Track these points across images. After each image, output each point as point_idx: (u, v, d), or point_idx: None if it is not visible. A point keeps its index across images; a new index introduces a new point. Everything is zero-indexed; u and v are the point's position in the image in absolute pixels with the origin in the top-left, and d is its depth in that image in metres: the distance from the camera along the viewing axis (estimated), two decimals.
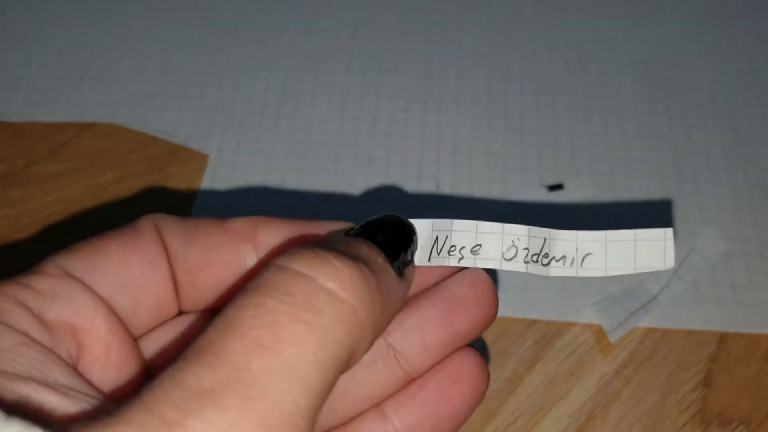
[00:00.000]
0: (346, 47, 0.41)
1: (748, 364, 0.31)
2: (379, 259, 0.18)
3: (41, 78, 0.40)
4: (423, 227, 0.20)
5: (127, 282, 0.19)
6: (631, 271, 0.20)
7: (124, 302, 0.19)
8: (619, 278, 0.33)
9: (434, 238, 0.20)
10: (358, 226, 0.19)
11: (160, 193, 0.36)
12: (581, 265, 0.20)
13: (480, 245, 0.20)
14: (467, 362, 0.21)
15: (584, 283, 0.33)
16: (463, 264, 0.20)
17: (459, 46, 0.41)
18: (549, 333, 0.32)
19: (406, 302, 0.20)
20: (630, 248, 0.20)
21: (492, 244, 0.20)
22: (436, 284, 0.21)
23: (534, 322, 0.32)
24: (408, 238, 0.19)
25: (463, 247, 0.20)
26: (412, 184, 0.36)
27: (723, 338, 0.32)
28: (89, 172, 0.37)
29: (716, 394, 0.31)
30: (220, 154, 0.37)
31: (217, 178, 0.36)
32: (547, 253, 0.20)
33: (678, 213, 0.35)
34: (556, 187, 0.36)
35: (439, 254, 0.20)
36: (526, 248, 0.20)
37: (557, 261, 0.20)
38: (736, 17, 0.43)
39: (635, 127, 0.38)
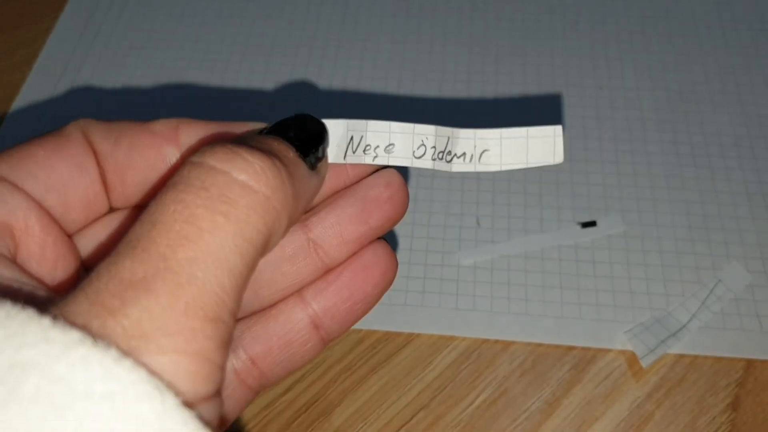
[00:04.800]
0: (393, 96, 0.45)
1: None
2: (290, 153, 0.19)
3: None
4: (338, 127, 0.22)
5: (56, 185, 0.20)
6: (524, 165, 0.21)
7: (56, 203, 0.20)
8: (649, 308, 0.35)
9: (349, 138, 0.22)
10: (271, 125, 0.20)
11: None
12: (479, 160, 0.22)
13: (393, 144, 0.22)
14: (378, 253, 0.23)
15: (617, 313, 0.35)
16: (377, 162, 0.22)
17: (496, 91, 0.45)
18: (585, 359, 0.34)
19: (325, 199, 0.22)
20: (523, 144, 0.21)
21: (404, 143, 0.22)
22: (354, 184, 0.23)
23: (571, 348, 0.35)
24: (319, 135, 0.21)
25: (378, 146, 0.22)
26: (454, 220, 0.39)
27: (750, 365, 0.34)
28: None
29: (744, 418, 0.33)
30: None
31: None
32: (450, 151, 0.22)
33: (705, 247, 0.38)
34: (589, 224, 0.38)
35: (354, 153, 0.22)
36: (434, 146, 0.22)
37: (458, 158, 0.22)
38: (756, 63, 0.46)
39: (663, 169, 0.41)
